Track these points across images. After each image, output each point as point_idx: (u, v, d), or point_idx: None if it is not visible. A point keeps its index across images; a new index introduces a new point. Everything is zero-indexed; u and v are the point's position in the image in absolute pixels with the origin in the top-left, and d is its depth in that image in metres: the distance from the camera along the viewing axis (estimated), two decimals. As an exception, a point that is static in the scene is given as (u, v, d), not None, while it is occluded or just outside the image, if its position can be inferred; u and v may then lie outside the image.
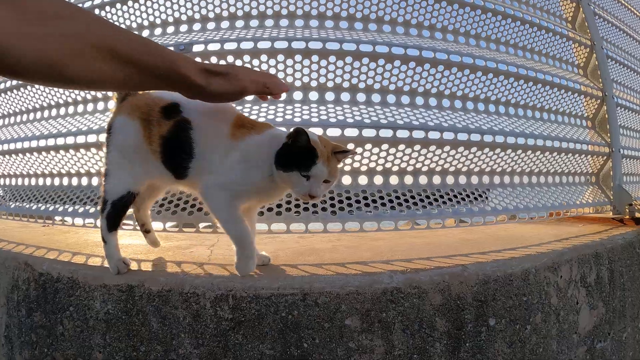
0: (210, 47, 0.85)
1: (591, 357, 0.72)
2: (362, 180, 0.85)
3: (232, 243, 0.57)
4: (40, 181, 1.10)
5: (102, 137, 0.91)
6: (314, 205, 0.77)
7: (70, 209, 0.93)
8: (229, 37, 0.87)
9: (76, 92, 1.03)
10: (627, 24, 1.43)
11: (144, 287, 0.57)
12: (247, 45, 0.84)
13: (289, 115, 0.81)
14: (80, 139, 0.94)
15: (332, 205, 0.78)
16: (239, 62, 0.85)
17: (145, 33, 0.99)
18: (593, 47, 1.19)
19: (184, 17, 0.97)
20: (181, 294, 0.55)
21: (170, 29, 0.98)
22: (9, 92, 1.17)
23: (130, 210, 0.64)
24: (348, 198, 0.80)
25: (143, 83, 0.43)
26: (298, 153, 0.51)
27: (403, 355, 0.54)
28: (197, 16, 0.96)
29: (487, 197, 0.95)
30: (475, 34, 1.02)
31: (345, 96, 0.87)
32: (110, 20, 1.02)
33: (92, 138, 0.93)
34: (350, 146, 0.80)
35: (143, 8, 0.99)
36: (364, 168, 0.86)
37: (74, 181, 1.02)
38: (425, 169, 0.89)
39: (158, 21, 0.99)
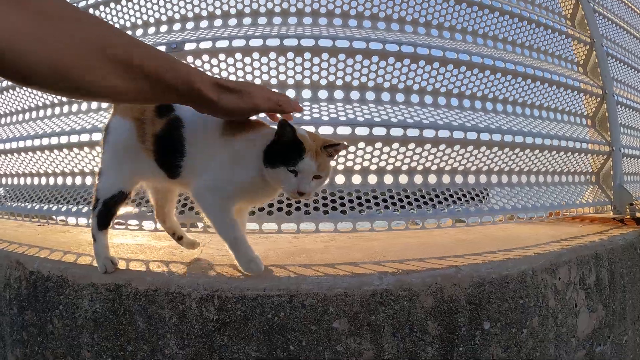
0: (202, 45, 0.84)
1: (590, 361, 0.71)
2: (356, 179, 0.84)
3: (223, 243, 0.56)
4: (36, 180, 1.10)
5: (95, 137, 0.92)
6: (306, 205, 0.76)
7: (64, 209, 0.93)
8: (221, 35, 0.86)
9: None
10: (627, 22, 1.41)
11: (130, 286, 0.57)
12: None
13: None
14: (74, 139, 0.94)
15: (325, 205, 0.77)
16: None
17: (139, 32, 0.99)
18: (593, 45, 1.17)
19: (177, 16, 0.97)
20: (167, 294, 0.54)
21: (164, 28, 0.98)
22: (4, 92, 1.17)
23: (122, 210, 0.64)
24: (341, 198, 0.79)
25: (155, 96, 0.42)
26: (284, 148, 0.50)
27: (393, 359, 0.53)
28: (190, 15, 0.96)
29: (485, 196, 0.93)
30: (472, 30, 1.00)
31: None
32: (110, 21, 1.02)
33: (85, 137, 0.92)
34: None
35: (137, 7, 0.99)
36: (357, 167, 0.84)
37: (69, 180, 1.02)
38: (420, 167, 0.87)
39: (152, 20, 0.99)
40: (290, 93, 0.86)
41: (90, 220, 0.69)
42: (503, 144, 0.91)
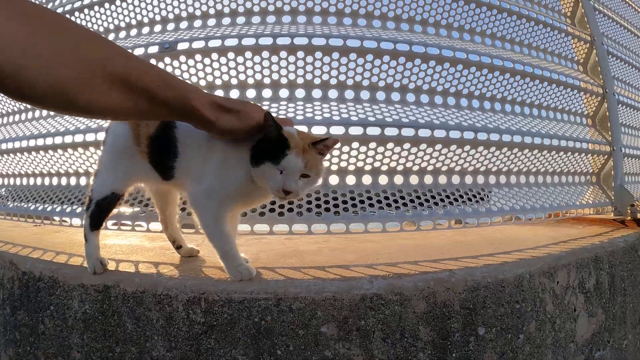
0: (195, 44, 0.84)
1: (589, 366, 0.69)
2: (350, 180, 0.83)
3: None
4: (31, 181, 1.10)
5: (89, 137, 0.92)
6: (299, 206, 0.75)
7: (59, 209, 0.93)
8: (214, 34, 0.85)
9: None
10: (628, 20, 1.38)
11: (119, 287, 0.56)
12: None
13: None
14: (68, 139, 0.94)
15: (318, 206, 0.76)
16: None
17: (133, 32, 0.99)
18: (593, 43, 1.15)
19: (171, 16, 0.96)
20: (154, 296, 0.54)
21: (158, 28, 0.97)
22: (1, 93, 1.17)
23: (115, 210, 0.63)
24: (335, 199, 0.78)
25: (152, 113, 0.41)
26: (269, 145, 0.49)
27: (383, 363, 0.52)
28: (184, 14, 0.95)
29: (485, 197, 0.92)
30: (469, 28, 0.99)
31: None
32: (105, 21, 1.02)
33: (79, 138, 0.92)
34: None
35: (131, 7, 0.98)
36: (351, 167, 0.83)
37: (63, 181, 1.02)
38: (416, 168, 0.86)
39: (145, 20, 0.99)
40: (284, 92, 0.86)
41: (83, 221, 0.69)
42: (501, 144, 0.90)
